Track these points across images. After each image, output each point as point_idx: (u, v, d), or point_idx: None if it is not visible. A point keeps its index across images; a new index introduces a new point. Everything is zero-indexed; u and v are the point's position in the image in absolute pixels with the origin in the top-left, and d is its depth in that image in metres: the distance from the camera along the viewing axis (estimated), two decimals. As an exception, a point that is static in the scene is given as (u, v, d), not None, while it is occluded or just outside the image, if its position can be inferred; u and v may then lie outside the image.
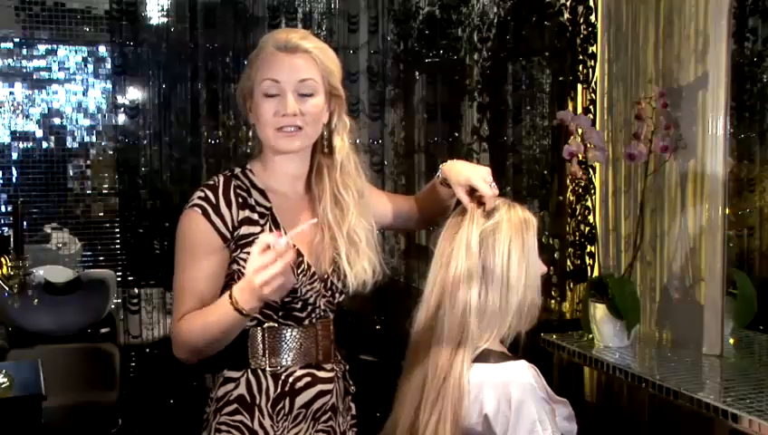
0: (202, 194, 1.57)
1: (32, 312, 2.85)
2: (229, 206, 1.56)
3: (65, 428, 2.65)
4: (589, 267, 2.97)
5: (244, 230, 1.56)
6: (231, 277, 1.58)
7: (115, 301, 3.19)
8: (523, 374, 1.39)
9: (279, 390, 1.58)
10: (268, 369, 1.59)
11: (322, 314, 1.64)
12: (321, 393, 1.62)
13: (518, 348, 1.50)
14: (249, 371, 1.59)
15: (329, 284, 1.63)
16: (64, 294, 3.04)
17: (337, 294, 1.66)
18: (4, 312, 2.96)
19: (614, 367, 2.29)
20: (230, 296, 1.43)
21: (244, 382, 1.59)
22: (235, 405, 1.59)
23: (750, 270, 2.55)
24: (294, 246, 1.53)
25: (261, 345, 1.59)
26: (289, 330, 1.60)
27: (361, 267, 1.63)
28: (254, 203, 1.59)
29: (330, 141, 1.67)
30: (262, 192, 1.61)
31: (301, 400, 1.60)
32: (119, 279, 3.17)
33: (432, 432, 1.43)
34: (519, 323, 1.47)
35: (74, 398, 2.78)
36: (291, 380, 1.59)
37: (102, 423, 2.79)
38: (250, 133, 1.69)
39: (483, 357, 1.43)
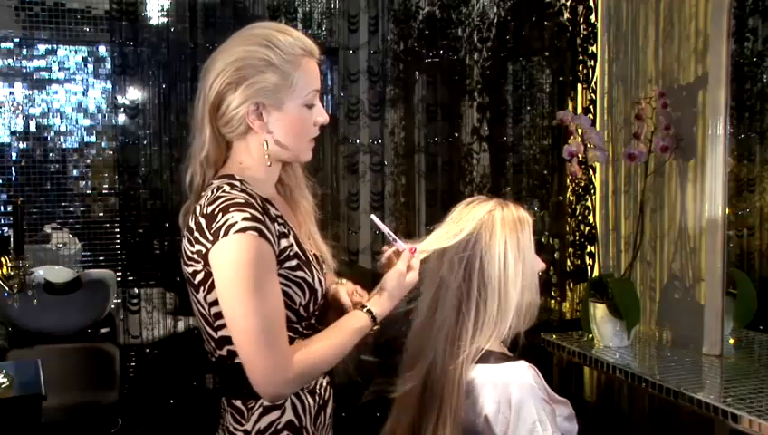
0: (246, 214, 1.36)
1: (32, 312, 2.85)
2: (272, 221, 1.43)
3: (65, 428, 2.65)
4: (589, 267, 2.98)
5: (282, 244, 1.43)
6: None
7: (115, 301, 3.19)
8: (523, 375, 1.39)
9: (317, 405, 1.53)
10: (306, 387, 1.50)
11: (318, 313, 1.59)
12: (333, 396, 1.60)
13: (518, 348, 1.50)
14: (292, 395, 1.48)
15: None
16: (64, 294, 3.03)
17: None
18: (5, 312, 2.96)
19: (614, 367, 2.29)
20: (367, 311, 1.47)
21: (290, 407, 1.48)
22: (285, 433, 1.47)
23: (750, 270, 2.55)
24: (311, 250, 1.54)
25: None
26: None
27: (330, 259, 1.62)
28: (274, 215, 1.46)
29: None
30: (270, 202, 1.49)
31: (329, 409, 1.57)
32: (119, 279, 3.17)
33: (432, 433, 1.43)
34: (518, 322, 1.47)
35: (74, 398, 2.77)
36: (322, 391, 1.55)
37: (102, 423, 2.78)
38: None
39: (483, 357, 1.43)
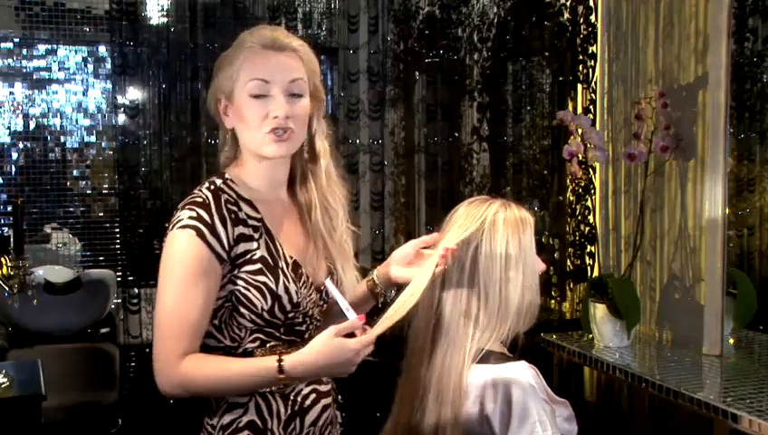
0: (192, 213, 1.43)
1: (32, 312, 2.85)
2: (224, 224, 1.44)
3: (65, 428, 2.65)
4: (589, 267, 2.97)
5: (241, 248, 1.46)
6: (226, 299, 1.47)
7: (115, 301, 3.19)
8: (523, 375, 1.39)
9: (290, 410, 1.51)
10: (277, 390, 1.50)
11: (317, 323, 1.58)
12: (325, 408, 1.57)
13: (518, 348, 1.50)
14: (257, 395, 1.49)
15: (322, 295, 1.58)
16: (64, 294, 3.03)
17: (325, 304, 1.61)
18: (5, 312, 2.96)
19: (614, 367, 2.29)
20: (279, 363, 1.37)
21: (253, 407, 1.49)
22: (245, 432, 1.49)
23: (750, 270, 2.56)
24: (292, 257, 1.51)
25: None
26: (294, 347, 1.48)
27: (352, 273, 1.60)
28: (245, 217, 1.48)
29: (312, 146, 1.58)
30: (250, 203, 1.50)
31: (309, 418, 1.54)
32: (119, 279, 3.17)
33: (432, 433, 1.43)
34: (518, 323, 1.47)
35: (74, 398, 2.77)
36: (299, 398, 1.53)
37: (102, 423, 2.78)
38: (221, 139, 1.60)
39: (483, 358, 1.43)
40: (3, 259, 2.18)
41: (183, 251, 1.42)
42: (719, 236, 2.28)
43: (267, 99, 1.47)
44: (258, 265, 1.46)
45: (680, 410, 2.11)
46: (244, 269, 1.45)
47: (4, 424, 2.12)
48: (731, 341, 2.42)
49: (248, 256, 1.46)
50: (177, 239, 1.42)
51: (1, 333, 2.98)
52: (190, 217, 1.42)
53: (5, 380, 2.17)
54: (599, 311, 2.46)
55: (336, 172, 1.61)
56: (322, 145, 1.58)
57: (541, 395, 1.38)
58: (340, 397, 1.69)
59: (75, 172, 3.58)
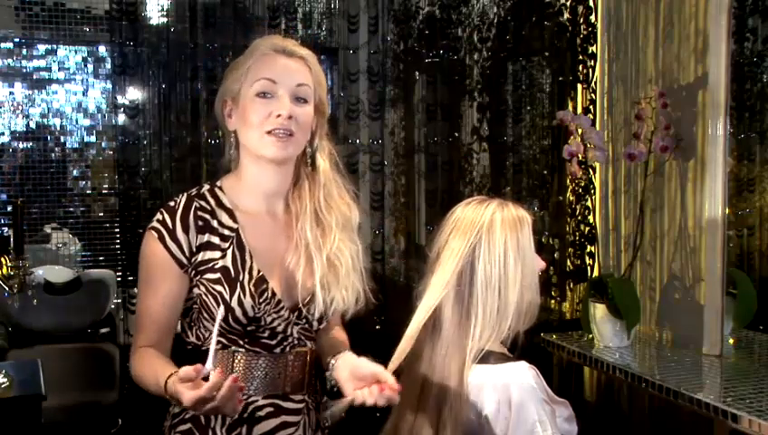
0: (160, 217, 1.50)
1: (32, 312, 2.85)
2: (186, 231, 1.48)
3: (65, 428, 2.65)
4: (589, 267, 2.97)
5: (203, 256, 1.49)
6: (194, 302, 1.52)
7: (115, 301, 3.19)
8: (523, 375, 1.39)
9: (236, 416, 1.46)
10: None
11: (296, 342, 1.55)
12: (286, 425, 1.53)
13: (518, 348, 1.50)
14: None
15: (302, 313, 1.54)
16: (64, 294, 3.04)
17: (315, 323, 1.56)
18: (5, 312, 2.96)
19: (614, 367, 2.29)
20: (165, 383, 1.32)
21: None
22: (189, 425, 1.51)
23: (750, 270, 2.56)
24: (260, 272, 1.49)
25: (226, 369, 1.47)
26: (256, 357, 1.51)
27: (340, 295, 1.53)
28: (216, 225, 1.50)
29: (313, 160, 1.58)
30: (229, 212, 1.52)
31: (260, 429, 1.51)
32: (119, 279, 3.18)
33: (432, 433, 1.43)
34: (518, 323, 1.47)
35: (74, 398, 2.77)
36: (250, 408, 1.51)
37: (102, 423, 2.78)
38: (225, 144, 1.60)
39: (483, 358, 1.43)
40: (3, 259, 2.18)
41: (145, 252, 1.51)
42: (719, 236, 2.28)
43: (272, 99, 1.48)
44: (217, 275, 1.48)
45: (680, 410, 2.11)
46: (205, 277, 1.49)
47: (4, 424, 2.12)
48: (731, 341, 2.41)
49: (210, 265, 1.49)
50: (145, 240, 1.52)
51: (1, 333, 2.98)
52: (157, 220, 1.50)
53: (5, 380, 2.17)
54: (599, 311, 2.46)
55: (339, 192, 1.59)
56: (323, 163, 1.58)
57: (541, 395, 1.38)
58: (328, 422, 1.63)
59: (75, 172, 3.58)
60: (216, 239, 1.50)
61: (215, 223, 1.51)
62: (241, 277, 1.48)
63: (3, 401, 2.11)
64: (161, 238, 1.48)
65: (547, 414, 1.37)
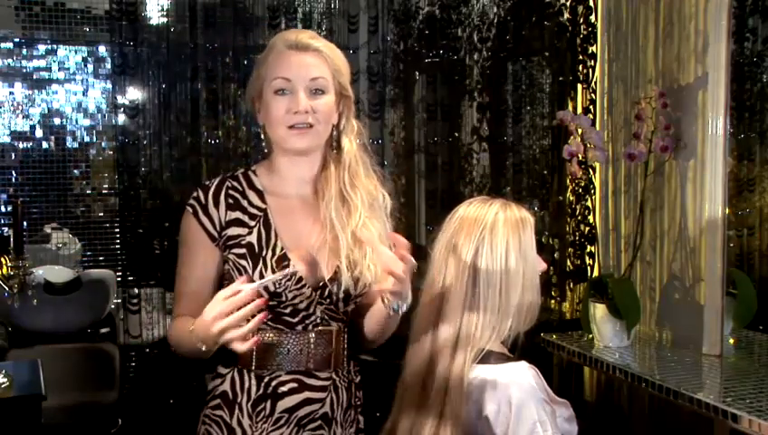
0: (195, 194, 1.61)
1: (32, 312, 2.85)
2: (217, 206, 1.59)
3: (65, 428, 2.65)
4: (589, 267, 2.98)
5: (232, 231, 1.58)
6: (224, 278, 1.60)
7: (115, 301, 3.19)
8: (523, 375, 1.39)
9: (261, 391, 1.57)
10: (254, 369, 1.57)
11: (319, 321, 1.58)
12: (309, 401, 1.58)
13: (518, 348, 1.50)
14: (236, 369, 1.59)
15: (325, 292, 1.57)
16: (64, 294, 3.03)
17: (341, 303, 1.59)
18: (5, 312, 2.95)
19: (614, 367, 2.29)
20: (192, 326, 1.44)
21: (229, 379, 1.60)
22: (218, 400, 1.60)
23: (750, 270, 2.56)
24: (283, 249, 1.55)
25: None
26: (278, 334, 1.57)
27: (368, 271, 1.56)
28: (246, 205, 1.60)
29: (338, 143, 1.66)
30: (259, 193, 1.62)
31: (284, 404, 1.57)
32: (119, 279, 3.17)
33: (432, 433, 1.42)
34: (519, 322, 1.47)
35: (74, 398, 2.77)
36: (274, 383, 1.57)
37: (102, 423, 2.79)
38: (251, 134, 1.69)
39: (483, 358, 1.43)
40: (3, 259, 2.18)
41: (182, 228, 1.62)
42: (719, 236, 2.28)
43: (289, 95, 1.57)
44: (243, 250, 1.56)
45: (680, 410, 2.11)
46: (233, 251, 1.57)
47: (4, 424, 2.12)
48: (731, 341, 2.42)
49: (237, 240, 1.57)
50: (183, 216, 1.62)
51: (1, 333, 2.98)
52: (192, 198, 1.61)
53: (5, 380, 2.17)
54: (599, 311, 2.46)
55: (366, 170, 1.67)
56: (348, 143, 1.66)
57: (541, 395, 1.38)
58: (359, 401, 1.68)
59: (75, 172, 3.58)
60: (244, 217, 1.59)
61: (244, 202, 1.60)
62: (264, 253, 1.56)
63: (3, 401, 2.11)
64: (195, 213, 1.59)
65: (547, 414, 1.37)
